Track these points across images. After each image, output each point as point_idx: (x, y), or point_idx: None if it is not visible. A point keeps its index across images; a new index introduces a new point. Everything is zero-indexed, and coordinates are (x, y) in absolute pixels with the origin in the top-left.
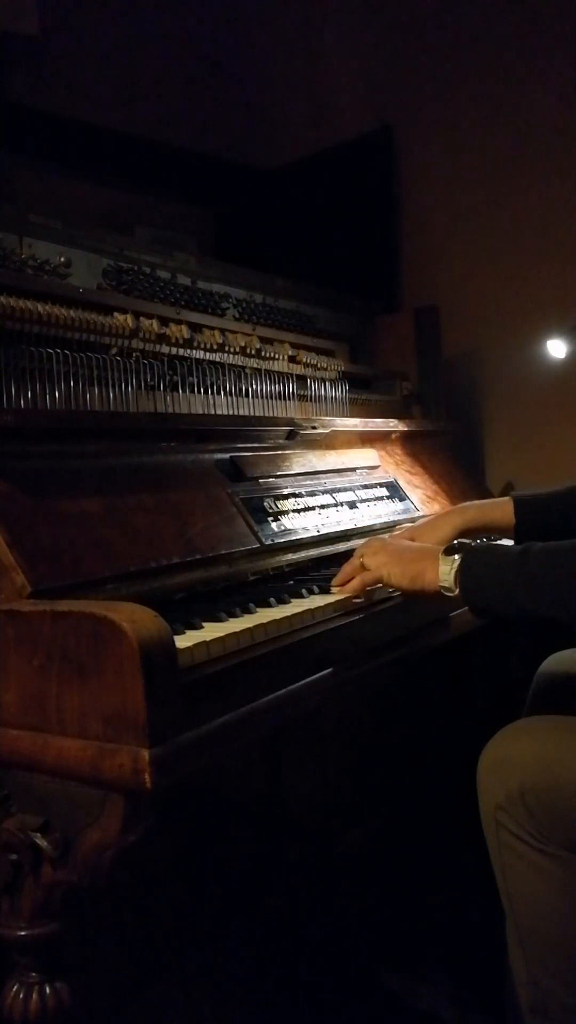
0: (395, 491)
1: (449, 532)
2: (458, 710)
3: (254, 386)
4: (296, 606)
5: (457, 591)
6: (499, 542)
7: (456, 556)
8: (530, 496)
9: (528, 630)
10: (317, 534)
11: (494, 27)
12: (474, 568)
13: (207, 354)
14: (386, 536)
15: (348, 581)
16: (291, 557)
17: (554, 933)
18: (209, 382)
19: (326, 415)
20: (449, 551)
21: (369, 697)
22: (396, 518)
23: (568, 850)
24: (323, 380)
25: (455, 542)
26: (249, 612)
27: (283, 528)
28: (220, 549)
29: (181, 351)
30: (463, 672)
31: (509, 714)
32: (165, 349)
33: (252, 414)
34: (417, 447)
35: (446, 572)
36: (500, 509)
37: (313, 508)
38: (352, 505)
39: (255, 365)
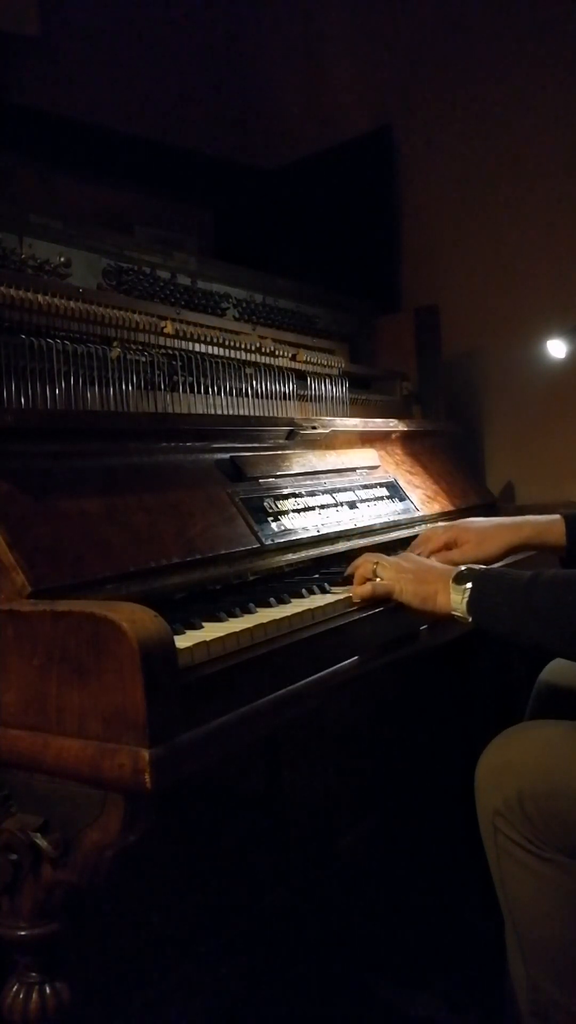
0: (395, 491)
1: (500, 550)
2: (459, 712)
3: (254, 386)
4: (296, 606)
5: (471, 619)
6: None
7: (467, 585)
8: None
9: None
10: (317, 534)
11: (494, 27)
12: (485, 597)
13: (207, 352)
14: (401, 554)
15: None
16: (291, 557)
17: (554, 938)
18: (209, 382)
19: (326, 415)
20: (459, 578)
21: (369, 698)
22: (396, 518)
23: (567, 855)
24: (323, 380)
25: (463, 568)
26: (249, 612)
27: (283, 528)
28: (220, 549)
29: (181, 351)
30: (464, 673)
31: (510, 716)
32: (165, 349)
33: (252, 414)
34: (417, 447)
35: (458, 601)
36: (554, 529)
37: (313, 508)
38: (352, 505)
39: (255, 364)
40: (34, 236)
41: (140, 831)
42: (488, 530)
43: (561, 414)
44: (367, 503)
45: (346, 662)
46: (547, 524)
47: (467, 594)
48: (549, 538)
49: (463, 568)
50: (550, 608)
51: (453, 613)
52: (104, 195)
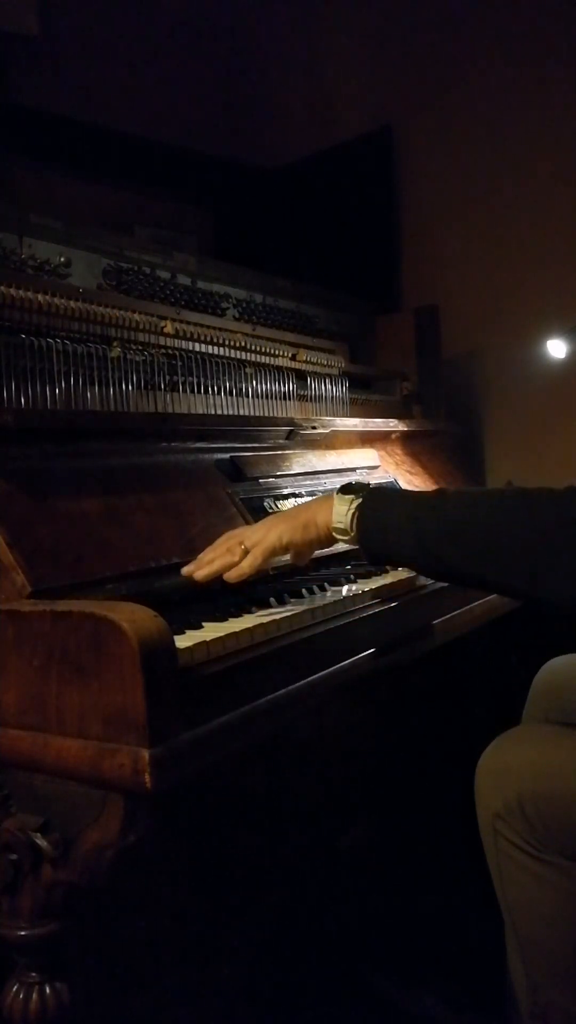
0: None
1: None
2: (457, 712)
3: (254, 386)
4: (296, 606)
5: (354, 534)
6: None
7: (354, 496)
8: None
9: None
10: None
11: (494, 27)
12: (377, 510)
13: (208, 352)
14: None
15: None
16: None
17: (553, 940)
18: (209, 382)
19: (326, 415)
20: (345, 489)
21: (369, 700)
22: None
23: (567, 858)
24: (323, 380)
25: (353, 481)
26: (249, 612)
27: None
28: None
29: (181, 351)
30: (462, 675)
31: (508, 717)
32: (165, 349)
33: (252, 414)
34: (417, 447)
35: (341, 513)
36: None
37: None
38: None
39: (255, 364)
40: (34, 236)
41: (140, 831)
42: None
43: (561, 414)
44: None
45: (347, 662)
46: None
47: (353, 505)
48: None
49: (351, 480)
50: (469, 522)
51: (334, 528)
52: (104, 195)
